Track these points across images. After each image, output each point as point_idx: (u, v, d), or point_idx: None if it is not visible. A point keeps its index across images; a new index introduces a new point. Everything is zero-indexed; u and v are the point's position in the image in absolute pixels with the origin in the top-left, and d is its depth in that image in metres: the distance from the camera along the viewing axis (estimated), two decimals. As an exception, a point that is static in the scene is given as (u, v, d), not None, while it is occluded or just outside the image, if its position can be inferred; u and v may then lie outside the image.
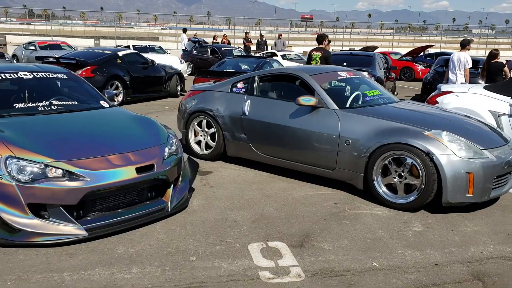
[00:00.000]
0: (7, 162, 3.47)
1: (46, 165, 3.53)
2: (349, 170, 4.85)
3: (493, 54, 9.33)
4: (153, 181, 4.03)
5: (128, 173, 3.78)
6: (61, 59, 10.47)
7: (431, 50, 25.41)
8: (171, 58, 17.16)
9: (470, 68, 9.71)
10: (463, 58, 9.33)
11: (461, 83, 9.19)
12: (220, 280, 3.13)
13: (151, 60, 12.08)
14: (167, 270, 3.24)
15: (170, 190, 4.20)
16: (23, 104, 4.55)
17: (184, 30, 22.81)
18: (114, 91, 10.25)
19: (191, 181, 4.73)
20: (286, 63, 16.42)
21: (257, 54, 19.71)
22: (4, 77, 4.74)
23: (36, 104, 4.59)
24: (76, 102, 4.91)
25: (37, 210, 3.51)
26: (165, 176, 4.08)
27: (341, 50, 21.38)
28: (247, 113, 5.64)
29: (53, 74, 5.11)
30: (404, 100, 6.15)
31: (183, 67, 16.91)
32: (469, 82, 9.42)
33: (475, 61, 12.31)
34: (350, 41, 48.60)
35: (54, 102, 4.70)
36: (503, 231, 4.11)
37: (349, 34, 60.33)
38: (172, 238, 3.76)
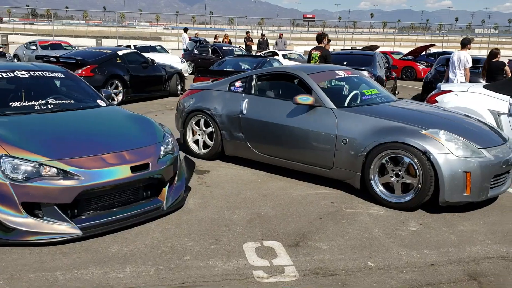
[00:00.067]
0: (1, 161, 3.46)
1: (40, 164, 3.52)
2: (346, 169, 4.83)
3: (494, 53, 9.29)
4: (148, 180, 4.02)
5: (122, 172, 3.76)
6: (61, 59, 10.48)
7: (432, 50, 25.37)
8: (172, 58, 17.17)
9: (471, 67, 9.67)
10: (463, 57, 9.29)
11: (461, 82, 9.15)
12: (214, 280, 3.11)
13: (151, 59, 12.07)
14: (160, 269, 3.22)
15: (165, 189, 4.18)
16: (19, 103, 4.54)
17: (185, 30, 22.81)
18: (111, 90, 10.24)
19: (187, 180, 4.71)
20: (287, 63, 16.41)
21: (259, 54, 19.70)
22: (0, 76, 4.73)
23: (32, 103, 4.58)
24: (72, 101, 4.90)
25: (31, 209, 3.51)
26: (161, 175, 4.06)
27: (341, 50, 21.36)
28: (244, 112, 5.63)
29: (49, 73, 5.10)
30: (403, 99, 6.12)
31: (184, 67, 16.90)
32: (470, 81, 9.39)
33: (476, 60, 12.27)
34: (352, 40, 48.52)
35: (50, 101, 4.70)
36: (501, 230, 4.09)
37: (351, 33, 60.29)
38: (167, 237, 3.74)
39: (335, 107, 5.02)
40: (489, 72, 9.22)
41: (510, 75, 9.01)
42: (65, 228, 3.53)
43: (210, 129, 6.00)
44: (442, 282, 3.17)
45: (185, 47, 21.20)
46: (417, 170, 4.30)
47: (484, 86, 7.03)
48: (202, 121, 6.09)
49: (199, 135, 6.18)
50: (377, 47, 21.57)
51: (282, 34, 23.74)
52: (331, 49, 26.76)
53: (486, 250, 3.68)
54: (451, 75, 9.57)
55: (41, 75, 5.00)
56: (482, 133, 4.81)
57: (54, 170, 3.53)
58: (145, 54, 13.39)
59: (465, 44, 9.46)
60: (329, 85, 5.77)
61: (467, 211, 4.48)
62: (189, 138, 6.26)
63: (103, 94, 5.32)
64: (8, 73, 4.77)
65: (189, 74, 17.33)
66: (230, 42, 22.26)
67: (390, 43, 43.30)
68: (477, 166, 4.24)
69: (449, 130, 4.48)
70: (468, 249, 3.69)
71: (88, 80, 9.38)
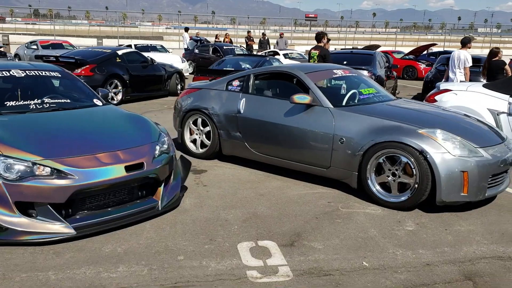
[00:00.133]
0: (-5, 160, 3.44)
1: (34, 163, 3.51)
2: (343, 168, 4.81)
3: (494, 52, 9.24)
4: (143, 180, 4.00)
5: (117, 172, 3.75)
6: (60, 58, 10.47)
7: (434, 49, 25.29)
8: (172, 57, 17.17)
9: (472, 66, 9.63)
10: (463, 56, 9.25)
11: (461, 81, 9.11)
12: (207, 280, 3.09)
13: (151, 58, 12.05)
14: (153, 269, 3.21)
15: (161, 189, 4.17)
16: (14, 102, 4.53)
17: (186, 29, 22.79)
18: (110, 90, 10.23)
19: (183, 180, 4.69)
20: (288, 62, 16.39)
21: (260, 53, 19.68)
22: None
23: (28, 102, 4.57)
24: (68, 100, 4.89)
25: (25, 208, 3.49)
26: (155, 175, 4.04)
27: (341, 49, 21.33)
28: (242, 111, 5.61)
29: (46, 72, 5.09)
30: (401, 98, 6.09)
31: (185, 66, 16.89)
32: (471, 80, 9.35)
33: (476, 60, 12.24)
34: (355, 40, 48.48)
35: (46, 100, 4.69)
36: (498, 230, 4.06)
37: (353, 33, 60.21)
38: (161, 237, 3.73)
39: (332, 106, 4.99)
40: (489, 71, 9.17)
41: (510, 74, 8.96)
42: (59, 227, 3.52)
43: (207, 128, 5.98)
44: (437, 282, 3.14)
45: (186, 47, 21.19)
46: (413, 170, 4.28)
47: (484, 85, 6.99)
48: (199, 120, 6.07)
49: (196, 134, 6.16)
50: (378, 46, 21.52)
51: (283, 34, 23.70)
52: (332, 48, 26.71)
53: (483, 250, 3.66)
54: (451, 74, 9.53)
55: (38, 74, 4.99)
56: (480, 133, 4.78)
57: (48, 169, 3.52)
58: (146, 54, 13.39)
59: (465, 43, 9.41)
60: (327, 85, 5.75)
61: (464, 211, 4.45)
62: (187, 137, 6.24)
63: (100, 94, 5.30)
64: (4, 72, 4.76)
65: (189, 73, 17.32)
66: (231, 42, 22.24)
67: (392, 43, 43.21)
68: (474, 166, 4.21)
69: (446, 130, 4.45)
70: (465, 249, 3.67)
71: (88, 80, 9.44)
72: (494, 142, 4.61)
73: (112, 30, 46.29)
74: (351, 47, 32.26)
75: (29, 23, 77.58)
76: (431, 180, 4.20)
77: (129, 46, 17.83)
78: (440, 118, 4.94)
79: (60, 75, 5.20)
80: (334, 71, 5.73)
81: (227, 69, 10.62)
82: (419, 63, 20.40)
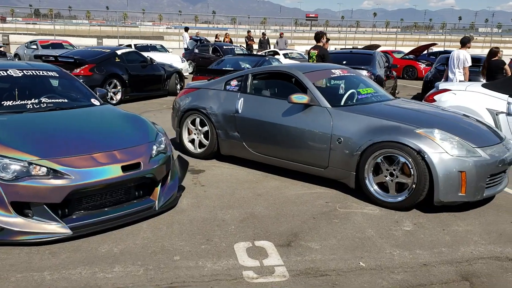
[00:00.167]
0: (-10, 160, 3.44)
1: (30, 163, 3.50)
2: (341, 168, 4.79)
3: (493, 52, 9.22)
4: (140, 180, 3.99)
5: (113, 172, 3.74)
6: (59, 58, 10.47)
7: (434, 49, 25.26)
8: (172, 57, 17.17)
9: (472, 66, 9.61)
10: (462, 56, 9.24)
11: (460, 81, 9.09)
12: (203, 280, 3.08)
13: (150, 58, 12.04)
14: (149, 269, 3.20)
15: (158, 189, 4.16)
16: (11, 102, 4.52)
17: (186, 29, 22.78)
18: (107, 89, 10.19)
19: (180, 180, 4.68)
20: (288, 62, 16.37)
21: (260, 53, 19.67)
22: None
23: (25, 102, 4.56)
24: (66, 100, 4.88)
25: (21, 208, 3.48)
26: (152, 175, 4.03)
27: (341, 49, 21.31)
28: (240, 111, 5.59)
29: (43, 72, 5.08)
30: (399, 98, 6.08)
31: (184, 66, 16.89)
32: (470, 80, 9.33)
33: (476, 59, 12.23)
34: (355, 40, 48.45)
35: (43, 100, 4.67)
36: (496, 230, 4.04)
37: (354, 33, 60.18)
38: (158, 237, 3.72)
39: (330, 106, 4.98)
40: (489, 71, 9.15)
41: (510, 74, 8.95)
42: (55, 227, 3.51)
43: (205, 128, 5.97)
44: (433, 283, 3.13)
45: (186, 46, 21.18)
46: (411, 170, 4.26)
47: (483, 85, 6.98)
48: (197, 120, 6.06)
49: (194, 134, 6.15)
50: (378, 46, 21.50)
51: (282, 34, 23.69)
52: (332, 48, 26.63)
53: (480, 250, 3.64)
54: (450, 74, 9.52)
55: (35, 74, 4.98)
56: (478, 132, 4.76)
57: (44, 169, 3.51)
58: (146, 54, 13.38)
59: (464, 43, 9.40)
60: (325, 84, 5.74)
61: (462, 211, 4.44)
62: (185, 137, 6.23)
63: (98, 93, 5.29)
64: (1, 72, 4.74)
65: (189, 73, 17.31)
66: (231, 41, 22.23)
67: (392, 43, 43.17)
68: (472, 166, 4.19)
69: (444, 129, 4.44)
70: (462, 249, 3.65)
71: (87, 79, 9.44)
72: (492, 142, 4.59)
73: (113, 30, 46.23)
74: (351, 47, 32.23)
75: (29, 23, 77.59)
76: (429, 180, 4.19)
77: (129, 46, 17.82)
78: (438, 118, 4.93)
79: (57, 75, 5.19)
80: (332, 70, 5.71)
81: (226, 68, 10.61)
82: (419, 63, 20.38)
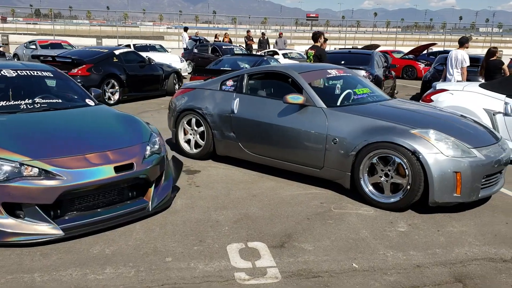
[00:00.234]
0: (-19, 161, 3.42)
1: (22, 164, 3.48)
2: (336, 169, 4.77)
3: (492, 52, 9.19)
4: (133, 180, 3.97)
5: (106, 172, 3.72)
6: (57, 58, 10.45)
7: (434, 49, 25.23)
8: (171, 57, 17.16)
9: (471, 66, 9.58)
10: (460, 56, 9.21)
11: (457, 81, 9.07)
12: (194, 282, 3.06)
13: (148, 58, 12.03)
14: (141, 271, 3.18)
15: (151, 190, 4.14)
16: (5, 102, 4.50)
17: (185, 29, 22.78)
18: (105, 89, 10.17)
19: (175, 180, 4.66)
20: (287, 62, 16.35)
21: (259, 53, 19.64)
22: None
23: (19, 102, 4.54)
24: (60, 100, 4.86)
25: (12, 209, 3.47)
26: (146, 175, 4.01)
27: (339, 49, 21.28)
28: (235, 111, 5.57)
29: (37, 72, 5.06)
30: (396, 98, 6.06)
31: (183, 66, 16.88)
32: (469, 80, 9.31)
33: (474, 59, 12.19)
34: (355, 39, 48.39)
35: (37, 100, 4.66)
36: (491, 231, 4.02)
37: (354, 33, 60.13)
38: (151, 238, 3.70)
39: (325, 107, 4.96)
40: (487, 71, 9.12)
41: (508, 74, 8.92)
42: (47, 229, 3.49)
43: (201, 128, 5.95)
44: (426, 284, 3.11)
45: (185, 46, 21.17)
46: (406, 170, 4.24)
47: (480, 85, 6.95)
48: (193, 120, 6.04)
49: (190, 134, 6.13)
50: (377, 46, 21.47)
51: (282, 33, 23.68)
52: (332, 48, 26.58)
53: (474, 251, 3.62)
54: (448, 74, 9.49)
55: (29, 74, 4.96)
56: (474, 133, 4.73)
57: (36, 170, 3.49)
58: (145, 53, 13.37)
59: (462, 42, 9.37)
60: (320, 85, 5.71)
61: (458, 212, 4.41)
62: (181, 137, 6.21)
63: (93, 93, 5.27)
64: (-5, 72, 4.73)
65: (188, 73, 17.29)
66: (230, 41, 22.20)
67: (393, 42, 43.12)
68: (467, 166, 4.17)
69: (439, 130, 4.41)
70: (456, 250, 3.63)
71: (84, 79, 9.43)
72: (488, 143, 4.57)
73: (113, 30, 46.24)
74: (351, 46, 32.20)
75: (30, 23, 77.68)
76: (423, 181, 4.17)
77: (128, 46, 17.79)
78: (434, 118, 4.90)
79: (52, 75, 5.17)
80: (328, 71, 5.69)
81: (225, 68, 10.58)
82: (419, 63, 20.35)
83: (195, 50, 19.00)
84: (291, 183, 5.22)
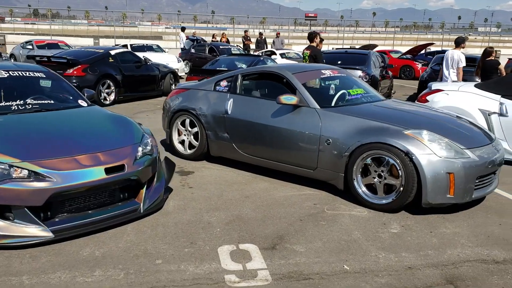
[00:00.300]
0: (-30, 162, 3.39)
1: (11, 166, 3.45)
2: (330, 170, 4.75)
3: (488, 52, 9.18)
4: (124, 182, 3.94)
5: (96, 174, 3.69)
6: (52, 58, 10.42)
7: (432, 48, 25.22)
8: (168, 57, 17.12)
9: (467, 66, 9.57)
10: (456, 56, 9.19)
11: (453, 81, 9.05)
12: (183, 284, 3.04)
13: (145, 58, 12.00)
14: (130, 273, 3.16)
15: (143, 191, 4.11)
16: (-4, 103, 4.47)
17: (183, 29, 22.72)
18: (98, 90, 10.11)
19: (167, 182, 4.64)
20: (285, 62, 16.32)
21: (256, 53, 19.61)
22: None
23: (10, 103, 4.51)
24: (52, 101, 4.83)
25: (2, 211, 3.44)
26: (137, 177, 3.98)
27: (336, 49, 21.25)
28: (229, 112, 5.55)
29: (30, 73, 5.03)
30: (391, 98, 6.04)
31: (181, 66, 16.84)
32: (466, 80, 9.29)
33: (471, 59, 12.18)
34: (354, 39, 48.40)
35: (29, 101, 4.63)
36: (484, 233, 4.00)
37: (353, 32, 60.12)
38: (141, 240, 3.68)
39: (319, 107, 4.94)
40: (483, 71, 9.11)
41: (504, 74, 8.91)
42: (36, 231, 3.47)
43: (195, 129, 5.93)
44: (417, 286, 3.09)
45: (183, 46, 21.13)
46: (399, 171, 4.22)
47: (475, 85, 6.93)
48: (187, 121, 6.01)
49: (184, 135, 6.11)
50: (375, 46, 21.47)
51: (279, 33, 23.64)
52: (330, 48, 26.54)
53: (467, 253, 3.60)
54: (445, 74, 9.48)
55: (21, 75, 4.93)
56: (468, 133, 4.71)
57: (25, 171, 3.47)
58: (142, 54, 13.33)
59: (459, 43, 9.36)
60: (314, 85, 5.69)
61: (451, 213, 4.39)
62: (175, 138, 6.19)
63: (86, 94, 5.24)
64: (-14, 73, 4.70)
65: (186, 73, 17.26)
66: (227, 41, 22.17)
67: (391, 42, 43.11)
68: (460, 167, 4.15)
69: (433, 131, 4.39)
70: (448, 252, 3.61)
71: (80, 80, 9.40)
72: (481, 143, 4.55)
73: (111, 30, 46.17)
74: (349, 46, 32.17)
75: (28, 23, 77.58)
76: (416, 182, 4.15)
77: (125, 46, 17.75)
78: (427, 119, 4.88)
79: (44, 76, 5.14)
80: (323, 71, 5.67)
81: (221, 69, 10.55)
82: (416, 63, 20.32)
83: (193, 50, 18.97)
84: (284, 184, 5.20)
